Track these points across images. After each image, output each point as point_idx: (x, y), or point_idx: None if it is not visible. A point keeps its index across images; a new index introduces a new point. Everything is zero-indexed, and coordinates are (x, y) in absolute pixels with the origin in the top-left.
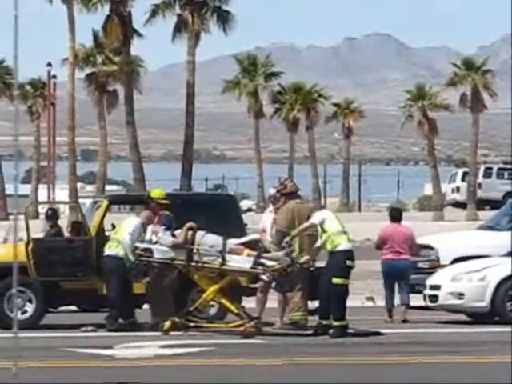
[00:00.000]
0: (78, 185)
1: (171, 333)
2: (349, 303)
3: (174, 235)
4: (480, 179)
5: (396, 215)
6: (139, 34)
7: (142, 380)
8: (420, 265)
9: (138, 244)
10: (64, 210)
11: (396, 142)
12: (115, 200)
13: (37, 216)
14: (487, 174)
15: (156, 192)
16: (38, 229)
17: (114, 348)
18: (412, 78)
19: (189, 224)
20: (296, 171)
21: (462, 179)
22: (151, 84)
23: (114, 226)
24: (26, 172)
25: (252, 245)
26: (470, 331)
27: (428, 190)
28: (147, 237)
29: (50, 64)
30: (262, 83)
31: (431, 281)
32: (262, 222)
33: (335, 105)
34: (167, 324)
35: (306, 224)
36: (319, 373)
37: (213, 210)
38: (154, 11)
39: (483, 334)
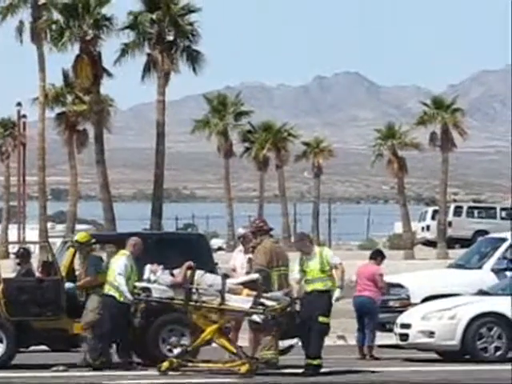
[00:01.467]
0: (49, 224)
1: (142, 373)
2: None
3: (172, 274)
4: (450, 217)
5: (371, 254)
6: (109, 74)
7: None
8: (391, 303)
9: (136, 283)
10: (34, 249)
11: (366, 180)
12: None
13: (7, 256)
14: (457, 212)
15: (81, 235)
16: (9, 269)
17: None
18: (382, 116)
19: (188, 263)
20: (266, 210)
21: (432, 217)
22: (121, 123)
23: None
24: None
25: (250, 285)
26: (442, 369)
27: (398, 228)
28: (145, 276)
29: (19, 104)
30: (231, 122)
31: (402, 319)
32: (232, 262)
33: (305, 144)
34: (165, 364)
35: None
36: None
37: (183, 249)
38: (124, 50)
39: (456, 372)
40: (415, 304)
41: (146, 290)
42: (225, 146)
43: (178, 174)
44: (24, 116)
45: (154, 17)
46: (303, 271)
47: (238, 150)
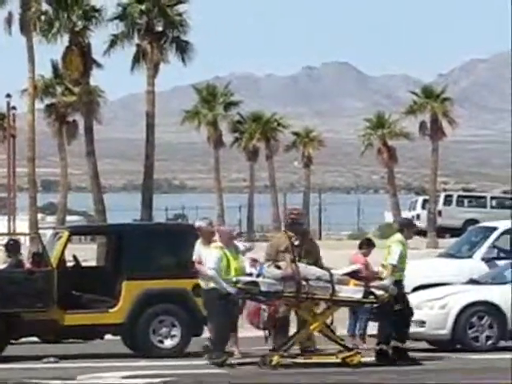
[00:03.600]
0: (39, 216)
1: (133, 364)
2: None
3: (278, 267)
4: (440, 207)
5: (360, 243)
6: (99, 65)
7: None
8: None
9: (241, 278)
10: (25, 241)
11: (356, 170)
12: (76, 231)
13: None
14: (447, 201)
15: None
16: None
17: (76, 379)
18: (371, 106)
19: (252, 257)
20: (256, 200)
21: (422, 207)
22: (111, 114)
23: (75, 257)
24: None
25: (353, 275)
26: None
27: (388, 217)
28: (247, 270)
29: (9, 95)
30: (221, 113)
31: None
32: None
33: (295, 134)
34: (276, 358)
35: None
36: None
37: (174, 239)
38: (113, 41)
39: (452, 359)
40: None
41: (253, 283)
42: (214, 136)
43: (167, 165)
44: (14, 107)
45: (142, 7)
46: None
47: (227, 140)
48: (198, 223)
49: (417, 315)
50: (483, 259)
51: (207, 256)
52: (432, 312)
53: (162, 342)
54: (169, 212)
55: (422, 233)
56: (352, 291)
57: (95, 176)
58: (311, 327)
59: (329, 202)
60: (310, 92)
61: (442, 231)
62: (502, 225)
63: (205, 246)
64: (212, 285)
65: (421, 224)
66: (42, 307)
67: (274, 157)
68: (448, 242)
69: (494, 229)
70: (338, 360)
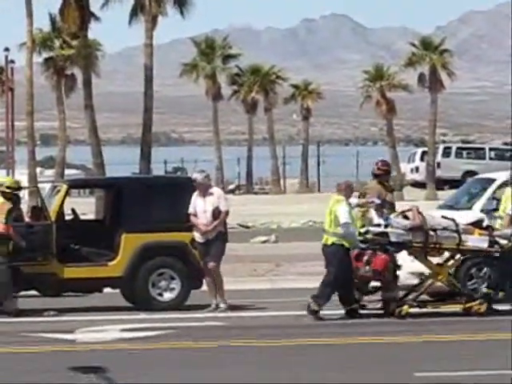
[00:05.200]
0: (38, 169)
1: (132, 317)
2: (310, 284)
3: (406, 217)
4: (439, 159)
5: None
6: (96, 18)
7: (103, 364)
8: None
9: (370, 228)
10: (24, 194)
11: (354, 122)
12: (75, 184)
13: None
14: (446, 153)
15: (10, 181)
16: None
17: (75, 332)
18: (370, 58)
19: (415, 206)
20: (255, 153)
21: (421, 159)
22: (109, 67)
23: (73, 211)
24: None
25: (477, 225)
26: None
27: None
28: (375, 221)
29: (7, 49)
30: (219, 65)
31: None
32: (192, 207)
33: (293, 86)
34: (405, 308)
35: None
36: (278, 355)
37: (173, 193)
38: None
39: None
40: None
41: (383, 234)
42: (213, 89)
43: (166, 118)
44: (12, 61)
45: None
46: None
47: (226, 93)
48: (194, 175)
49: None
50: (482, 210)
51: (338, 212)
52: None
53: (161, 295)
54: (167, 165)
55: (421, 185)
56: (478, 240)
57: (94, 129)
58: (438, 277)
59: (327, 155)
60: (308, 44)
61: (441, 183)
62: (501, 176)
63: (200, 198)
64: (334, 239)
65: (420, 176)
66: (42, 261)
67: (272, 109)
68: (447, 193)
69: (493, 180)
70: (465, 307)
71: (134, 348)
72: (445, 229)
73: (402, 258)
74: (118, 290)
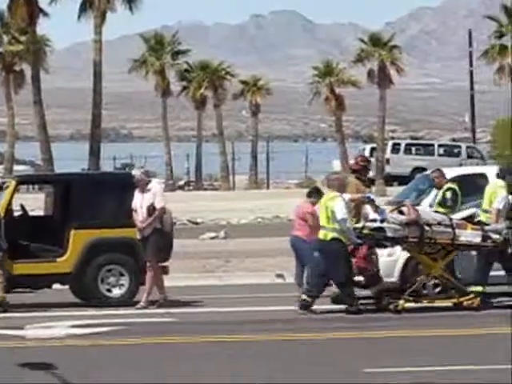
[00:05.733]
0: None
1: (81, 313)
2: (259, 280)
3: (401, 212)
4: (388, 155)
5: (307, 192)
6: (45, 14)
7: (53, 360)
8: None
9: (367, 224)
10: None
11: (304, 118)
12: (23, 180)
13: None
14: (395, 149)
15: None
16: None
17: (24, 329)
18: (319, 54)
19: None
20: (204, 149)
21: (370, 155)
22: (58, 63)
23: (22, 207)
24: None
25: (469, 219)
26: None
27: (336, 166)
28: (371, 216)
29: None
30: (168, 61)
31: None
32: (134, 202)
33: (242, 82)
34: (401, 302)
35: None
36: (224, 351)
37: (121, 189)
38: None
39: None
40: None
41: (380, 229)
42: (162, 85)
43: (115, 114)
44: None
45: None
46: None
47: (175, 89)
48: (133, 171)
49: None
50: (431, 206)
51: (334, 208)
52: (380, 260)
53: (110, 291)
54: (117, 161)
55: (370, 181)
56: (471, 235)
57: (42, 125)
58: (432, 271)
59: (277, 151)
60: (257, 40)
61: (390, 179)
62: (449, 172)
63: (139, 194)
64: (335, 235)
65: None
66: None
67: (221, 105)
68: (396, 189)
69: None
70: (460, 302)
71: (84, 344)
72: (439, 224)
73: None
74: (67, 286)
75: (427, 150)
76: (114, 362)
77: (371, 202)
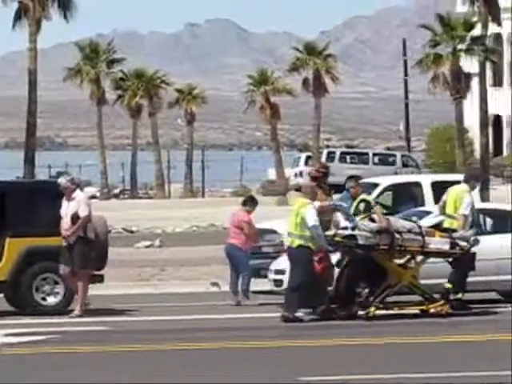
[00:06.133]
0: None
1: (16, 321)
2: (194, 289)
3: (372, 220)
4: None
5: (243, 201)
6: None
7: None
8: (264, 249)
9: (339, 231)
10: None
11: (239, 127)
12: None
13: None
14: (330, 158)
15: None
16: None
17: None
18: (254, 63)
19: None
20: (140, 157)
21: (306, 163)
22: None
23: None
24: None
25: (437, 227)
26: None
27: (271, 174)
28: (342, 224)
29: None
30: (104, 70)
31: (276, 265)
32: (61, 210)
33: (177, 91)
34: (373, 309)
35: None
36: (161, 360)
37: (56, 197)
38: None
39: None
40: None
41: (352, 237)
42: (97, 93)
43: (50, 123)
44: None
45: None
46: None
47: (110, 97)
48: (59, 180)
49: None
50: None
51: (305, 215)
52: None
53: (44, 299)
54: (52, 170)
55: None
56: (440, 243)
57: None
58: (402, 279)
59: (212, 159)
60: (192, 49)
61: None
62: (384, 181)
63: (66, 202)
64: (301, 242)
65: (304, 180)
66: None
67: (157, 114)
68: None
69: (376, 185)
70: (429, 309)
71: (19, 353)
72: (409, 231)
73: (287, 262)
74: (1, 295)
75: (362, 158)
76: (48, 370)
77: (342, 209)
